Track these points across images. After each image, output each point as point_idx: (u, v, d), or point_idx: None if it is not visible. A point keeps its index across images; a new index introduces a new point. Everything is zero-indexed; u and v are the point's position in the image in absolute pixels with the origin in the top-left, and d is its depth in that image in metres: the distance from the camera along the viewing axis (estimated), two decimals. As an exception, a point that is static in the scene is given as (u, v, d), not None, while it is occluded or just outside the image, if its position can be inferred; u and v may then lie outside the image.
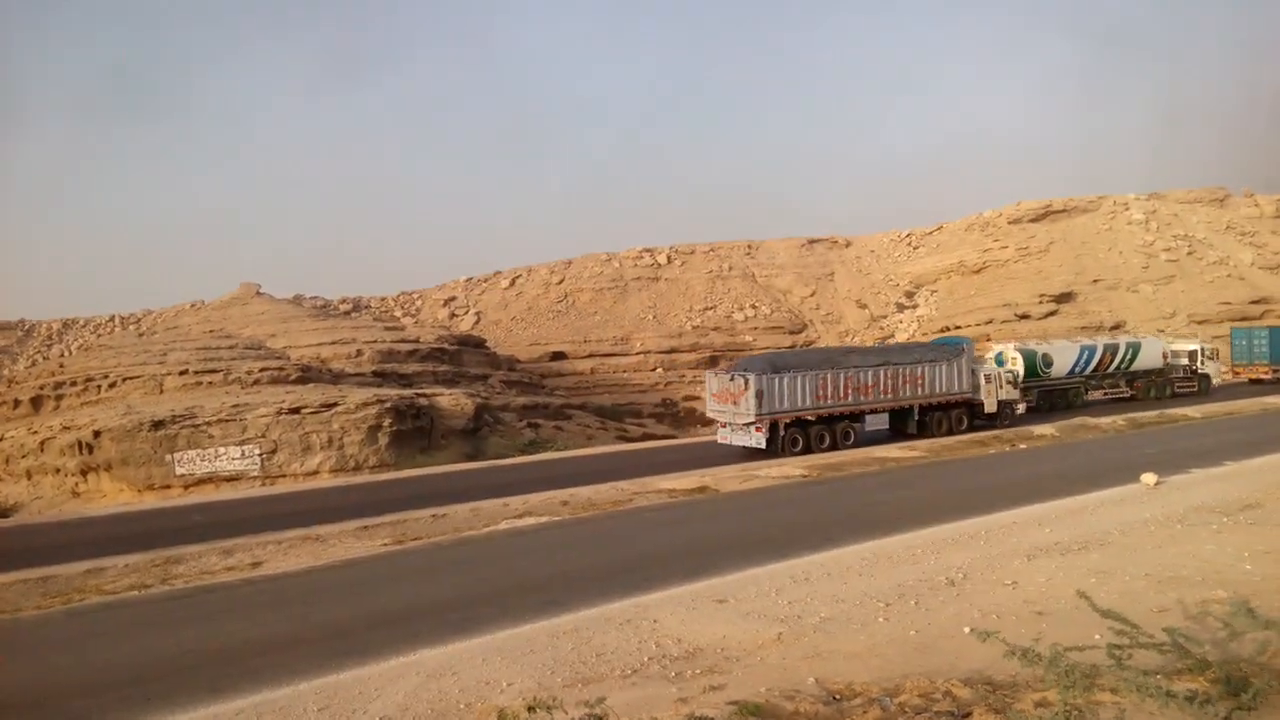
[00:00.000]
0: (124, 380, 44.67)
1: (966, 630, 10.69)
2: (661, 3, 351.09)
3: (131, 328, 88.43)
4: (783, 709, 8.61)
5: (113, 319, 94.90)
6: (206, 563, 18.16)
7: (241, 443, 37.71)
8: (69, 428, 38.87)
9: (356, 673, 10.67)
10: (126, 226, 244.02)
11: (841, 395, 32.06)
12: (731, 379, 31.53)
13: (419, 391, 46.74)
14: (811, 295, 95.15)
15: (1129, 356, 45.20)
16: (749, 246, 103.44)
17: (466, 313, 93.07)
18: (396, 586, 15.62)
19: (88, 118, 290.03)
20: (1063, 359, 43.21)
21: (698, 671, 9.99)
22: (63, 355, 77.04)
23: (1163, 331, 62.69)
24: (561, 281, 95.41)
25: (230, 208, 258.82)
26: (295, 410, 38.67)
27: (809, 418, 31.57)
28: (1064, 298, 79.10)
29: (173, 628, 13.66)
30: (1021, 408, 38.22)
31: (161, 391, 43.62)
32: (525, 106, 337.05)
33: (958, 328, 76.15)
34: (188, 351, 47.22)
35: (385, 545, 18.95)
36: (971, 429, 34.85)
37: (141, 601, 15.48)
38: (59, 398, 46.02)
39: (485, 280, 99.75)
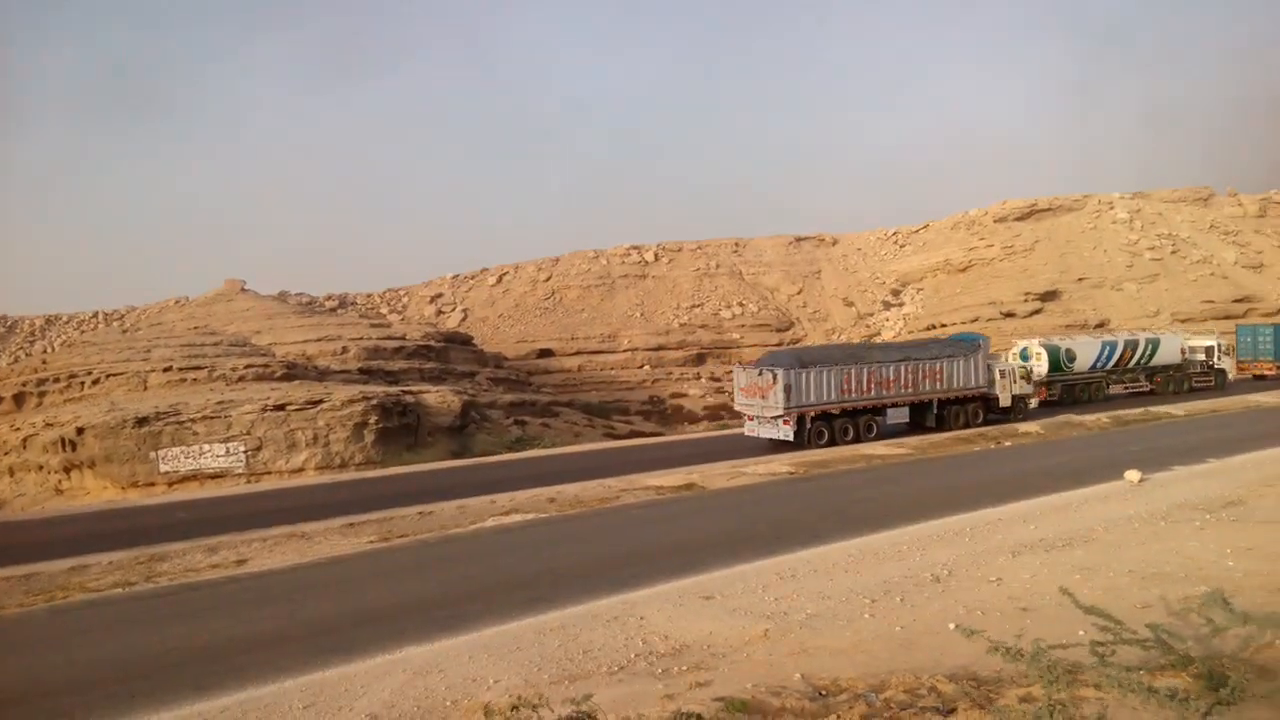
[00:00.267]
0: (107, 377, 44.37)
1: (951, 626, 10.75)
2: (655, 2, 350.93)
3: (115, 324, 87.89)
4: (769, 705, 8.64)
5: (96, 315, 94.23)
6: (191, 560, 18.05)
7: (226, 440, 37.48)
8: (52, 424, 38.55)
9: (342, 670, 10.64)
10: (111, 222, 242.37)
11: (865, 389, 32.92)
12: (760, 373, 32.36)
13: (405, 389, 46.61)
14: (799, 293, 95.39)
15: (1149, 352, 46.43)
16: (736, 244, 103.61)
17: (453, 310, 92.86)
18: (382, 584, 15.56)
19: (73, 114, 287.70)
20: (1085, 354, 44.35)
21: (684, 668, 10.01)
22: (46, 351, 76.49)
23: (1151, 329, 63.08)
24: (549, 279, 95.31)
25: (216, 204, 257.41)
26: (280, 407, 38.47)
27: (834, 411, 32.35)
28: (1049, 296, 79.60)
29: (157, 625, 13.58)
30: (1034, 402, 39.14)
31: (145, 388, 43.34)
32: (516, 105, 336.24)
33: (943, 326, 76.54)
34: (172, 348, 46.95)
35: (371, 543, 18.88)
36: (986, 422, 35.88)
37: (125, 599, 15.38)
38: (42, 394, 45.66)
39: (472, 277, 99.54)
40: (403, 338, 64.22)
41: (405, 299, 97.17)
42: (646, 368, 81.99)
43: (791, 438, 31.35)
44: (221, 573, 16.87)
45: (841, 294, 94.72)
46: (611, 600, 13.01)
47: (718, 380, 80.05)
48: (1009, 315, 76.16)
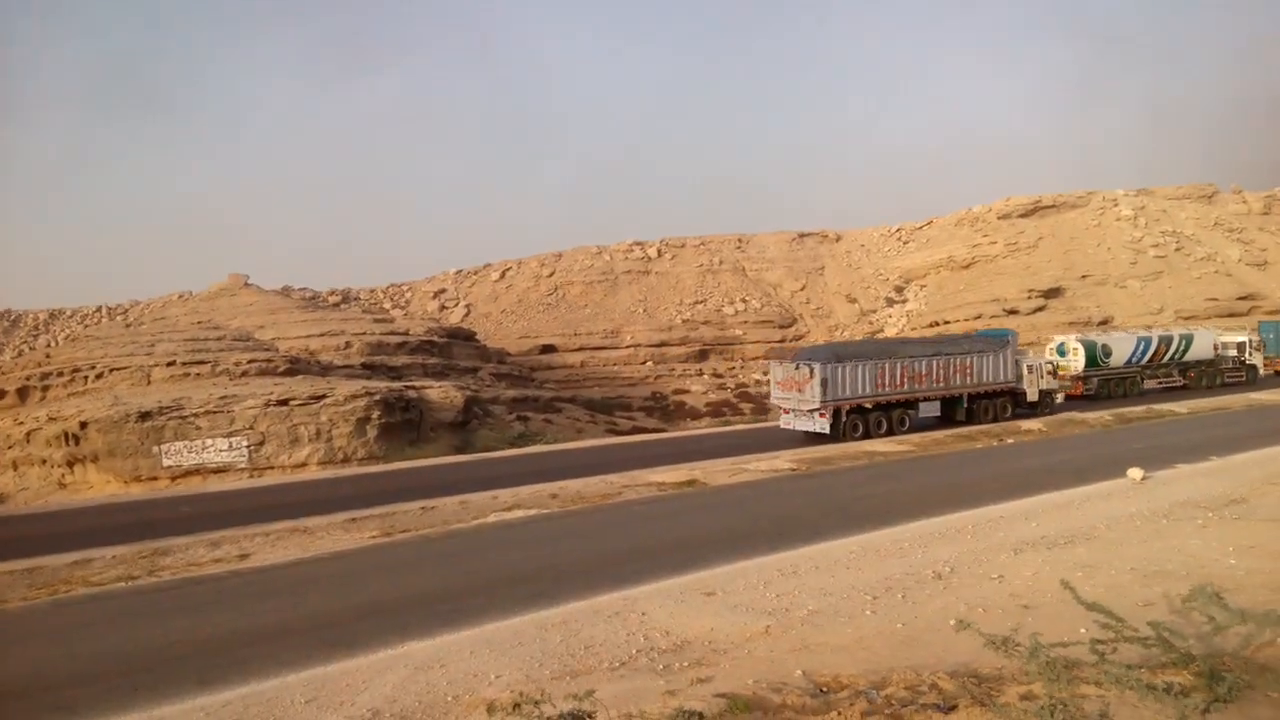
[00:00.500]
0: (111, 371, 44.44)
1: (952, 623, 10.72)
2: (663, 2, 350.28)
3: (119, 318, 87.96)
4: (770, 701, 8.65)
5: (100, 309, 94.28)
6: (194, 554, 18.09)
7: (229, 434, 37.54)
8: (55, 419, 38.63)
9: (344, 665, 10.66)
10: (114, 217, 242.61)
11: (898, 383, 33.47)
12: (797, 367, 32.79)
13: (408, 384, 46.64)
14: (801, 289, 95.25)
15: (1182, 348, 47.04)
16: (739, 240, 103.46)
17: (456, 305, 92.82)
18: (385, 579, 15.58)
19: (77, 110, 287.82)
20: (1121, 349, 45.10)
21: (686, 664, 10.02)
22: (49, 346, 76.49)
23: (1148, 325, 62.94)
24: (552, 274, 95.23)
25: (220, 199, 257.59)
26: (283, 402, 38.52)
27: (867, 405, 32.87)
28: (1052, 293, 79.38)
29: (160, 619, 13.61)
30: (1060, 397, 39.63)
31: (149, 383, 43.40)
32: (519, 101, 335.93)
33: (946, 323, 76.43)
34: (175, 343, 47.01)
35: (373, 537, 18.91)
36: (1015, 416, 36.31)
37: (129, 593, 15.42)
38: (45, 388, 45.73)
39: (475, 273, 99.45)
40: (406, 333, 64.21)
41: (408, 294, 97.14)
42: (649, 364, 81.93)
43: (827, 430, 31.84)
44: (224, 567, 16.91)
45: (845, 290, 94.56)
46: (613, 596, 13.03)
47: (720, 377, 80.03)
48: (1012, 312, 75.98)
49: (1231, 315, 71.03)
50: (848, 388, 32.16)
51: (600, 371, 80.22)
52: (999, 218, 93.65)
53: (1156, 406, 38.59)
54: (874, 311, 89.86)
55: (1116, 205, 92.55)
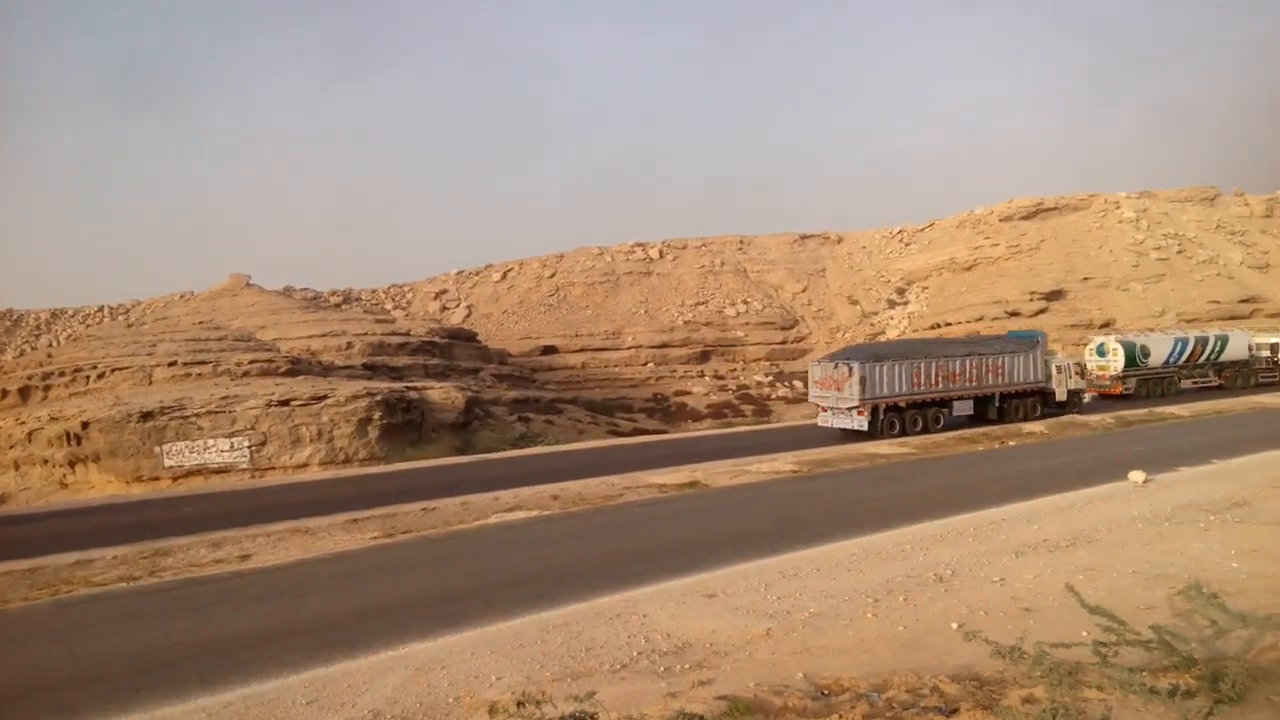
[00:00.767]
0: (113, 371, 44.48)
1: (954, 626, 10.73)
2: (666, 3, 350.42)
3: (120, 318, 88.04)
4: (771, 704, 8.63)
5: (102, 309, 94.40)
6: (195, 555, 18.09)
7: (231, 435, 37.56)
8: (57, 418, 38.66)
9: (345, 666, 10.65)
10: (117, 217, 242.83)
11: (933, 383, 34.39)
12: (836, 367, 33.69)
13: (409, 385, 46.66)
14: (803, 291, 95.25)
15: (1218, 348, 48.03)
16: (741, 242, 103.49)
17: (457, 306, 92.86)
18: (386, 580, 15.57)
19: (79, 109, 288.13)
20: (1159, 350, 46.17)
21: (687, 666, 10.00)
22: (51, 345, 76.54)
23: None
24: (553, 275, 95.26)
25: (222, 199, 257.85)
26: (285, 403, 38.54)
27: (903, 404, 33.76)
28: (1054, 295, 79.35)
29: (161, 620, 13.60)
30: (1087, 397, 40.68)
31: (150, 383, 43.44)
32: (521, 103, 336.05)
33: (948, 325, 76.42)
34: (177, 343, 47.05)
35: (375, 538, 18.91)
36: (1043, 416, 36.99)
37: (130, 593, 15.41)
38: (47, 388, 45.77)
39: (477, 273, 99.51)
40: (407, 334, 64.25)
41: (410, 295, 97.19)
42: (650, 365, 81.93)
43: (865, 428, 32.74)
44: (225, 568, 16.90)
45: (846, 292, 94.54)
46: (614, 598, 13.01)
47: (721, 378, 80.00)
48: (1014, 314, 75.95)
49: (1233, 318, 70.94)
50: (885, 386, 33.08)
51: (601, 373, 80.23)
52: (1001, 220, 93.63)
53: (1158, 409, 38.58)
54: (875, 313, 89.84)
55: (1119, 207, 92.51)
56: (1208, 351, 47.62)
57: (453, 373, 60.39)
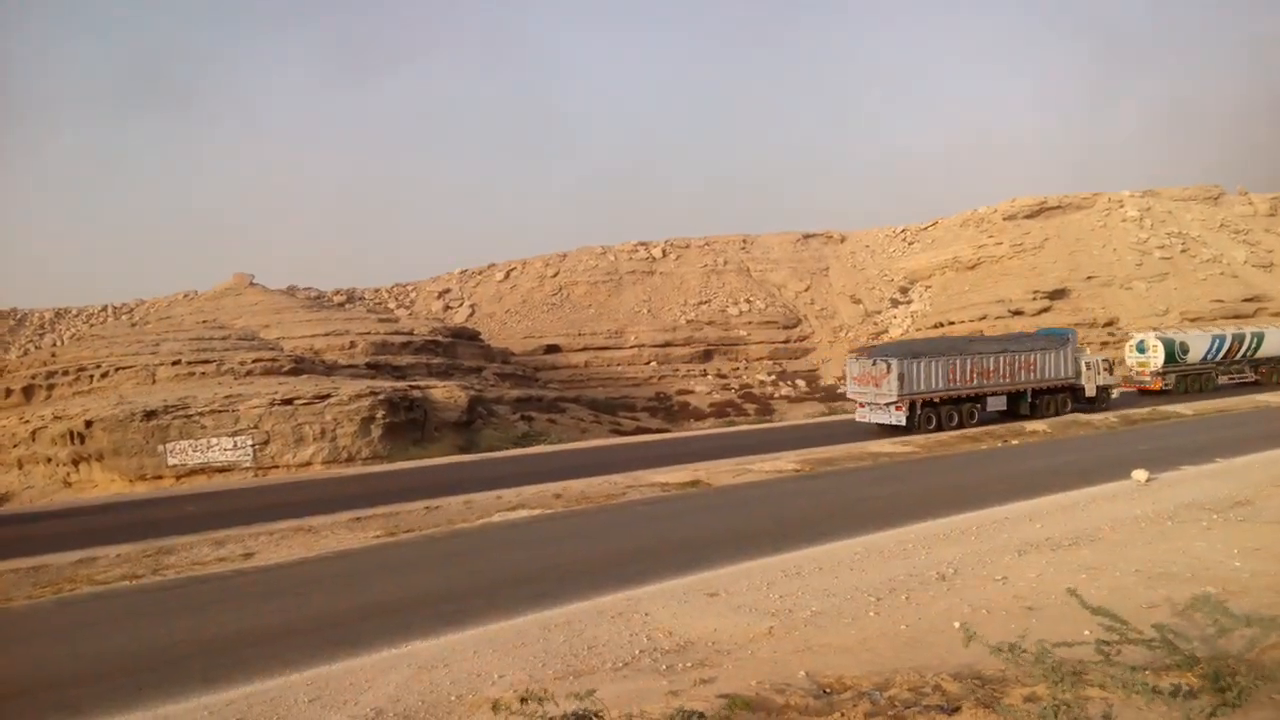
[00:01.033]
0: (116, 370, 44.54)
1: (956, 625, 10.72)
2: (668, 3, 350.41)
3: (124, 317, 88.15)
4: (773, 702, 8.64)
5: (105, 309, 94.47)
6: (198, 553, 18.12)
7: (234, 434, 37.59)
8: (61, 417, 38.72)
9: (348, 664, 10.67)
10: (120, 216, 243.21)
11: (968, 379, 35.27)
12: (874, 363, 34.40)
13: (412, 384, 46.66)
14: (806, 290, 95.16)
15: (1254, 345, 48.98)
16: (744, 241, 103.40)
17: (461, 305, 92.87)
18: (389, 578, 15.59)
19: (83, 109, 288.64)
20: (1197, 347, 47.14)
21: (689, 664, 10.01)
22: (55, 344, 76.73)
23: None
24: (556, 274, 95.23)
25: (225, 198, 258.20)
26: (288, 401, 38.57)
27: (939, 399, 34.57)
28: (1058, 294, 79.17)
29: (164, 618, 13.64)
30: (1116, 393, 41.35)
31: (154, 382, 43.49)
32: (525, 102, 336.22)
33: (951, 324, 76.27)
34: (180, 342, 47.10)
35: (378, 537, 18.94)
36: (1074, 410, 38.02)
37: (133, 592, 15.45)
38: (51, 387, 45.84)
39: (480, 273, 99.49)
40: (410, 333, 64.28)
41: (413, 294, 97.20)
42: (653, 364, 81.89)
43: (903, 423, 33.57)
44: (228, 566, 16.94)
45: (849, 291, 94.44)
46: (616, 596, 13.02)
47: (724, 377, 79.97)
48: (1017, 313, 75.80)
49: (1237, 317, 70.74)
50: (922, 382, 33.93)
51: (604, 372, 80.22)
52: (1004, 218, 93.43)
53: (1162, 408, 38.56)
54: (879, 312, 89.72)
55: (1122, 206, 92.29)
56: (1244, 348, 48.43)
57: (456, 372, 60.43)
